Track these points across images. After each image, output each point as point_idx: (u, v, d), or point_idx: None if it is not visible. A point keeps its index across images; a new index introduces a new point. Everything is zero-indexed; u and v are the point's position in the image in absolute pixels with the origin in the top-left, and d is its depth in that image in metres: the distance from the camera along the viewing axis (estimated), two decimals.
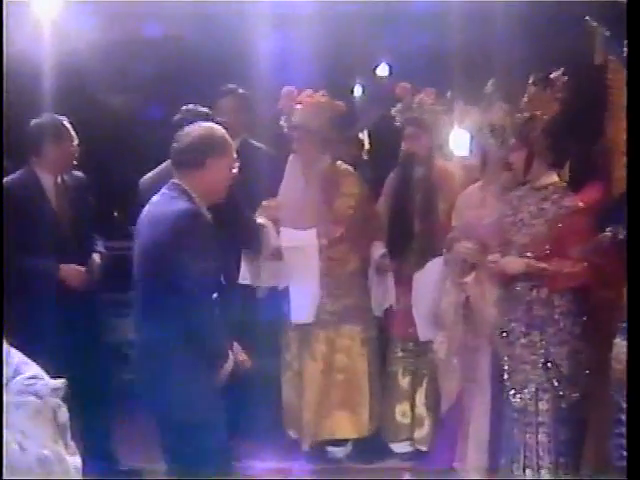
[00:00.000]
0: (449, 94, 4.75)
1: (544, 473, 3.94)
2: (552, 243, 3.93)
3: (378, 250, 4.87)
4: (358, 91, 6.90)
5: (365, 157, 6.74)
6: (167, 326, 3.14)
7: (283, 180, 4.91)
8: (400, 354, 4.97)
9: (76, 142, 4.52)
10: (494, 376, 4.20)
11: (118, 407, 4.69)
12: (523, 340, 3.99)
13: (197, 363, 3.19)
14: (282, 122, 4.80)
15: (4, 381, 1.80)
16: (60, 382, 1.95)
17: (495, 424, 4.20)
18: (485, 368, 4.28)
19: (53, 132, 4.45)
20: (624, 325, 3.16)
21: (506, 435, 4.06)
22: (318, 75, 5.39)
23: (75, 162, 4.58)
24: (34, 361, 1.91)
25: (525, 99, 4.05)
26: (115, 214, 6.96)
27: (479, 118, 4.44)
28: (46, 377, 1.88)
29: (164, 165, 4.04)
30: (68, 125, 4.50)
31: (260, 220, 4.64)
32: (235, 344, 3.45)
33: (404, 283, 4.83)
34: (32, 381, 1.81)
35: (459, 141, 4.86)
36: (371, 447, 4.96)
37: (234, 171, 3.37)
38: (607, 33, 4.29)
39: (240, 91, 5.11)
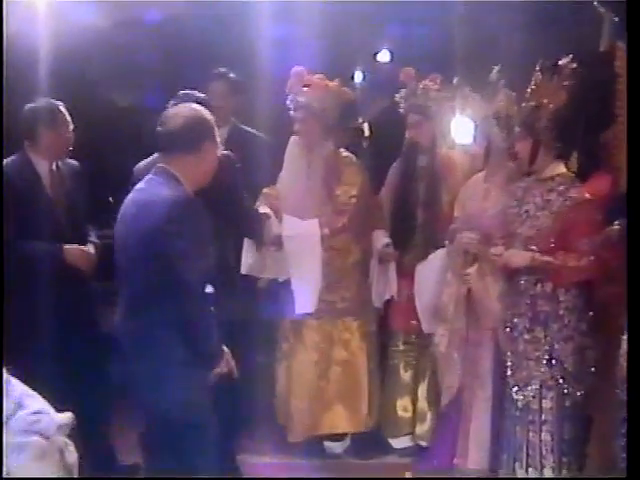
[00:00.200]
0: (455, 80, 4.63)
1: (547, 472, 3.88)
2: (558, 236, 3.85)
3: (381, 239, 4.79)
4: (359, 77, 6.79)
5: (365, 145, 6.63)
6: (155, 320, 3.02)
7: (284, 164, 4.83)
8: (402, 347, 4.90)
9: (72, 127, 4.44)
10: (496, 372, 4.15)
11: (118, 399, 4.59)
12: (526, 336, 3.93)
13: (188, 359, 3.05)
14: (288, 102, 4.72)
15: (4, 416, 1.56)
16: (67, 417, 1.71)
17: (497, 421, 4.13)
18: (487, 363, 4.22)
19: (48, 117, 4.36)
20: None
21: (508, 433, 4.00)
22: (319, 60, 5.28)
23: (71, 148, 4.49)
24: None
25: (531, 87, 3.96)
26: (110, 202, 6.85)
27: (484, 106, 4.36)
28: (52, 411, 1.62)
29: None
30: (64, 110, 4.42)
31: (262, 209, 4.53)
32: (225, 349, 3.29)
33: (406, 274, 4.76)
34: (36, 417, 1.59)
35: (463, 130, 4.74)
36: (370, 442, 4.89)
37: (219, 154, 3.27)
38: (615, 19, 4.18)
39: (231, 75, 5.02)
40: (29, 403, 1.46)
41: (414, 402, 4.86)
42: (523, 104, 3.99)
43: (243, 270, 4.55)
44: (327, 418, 4.74)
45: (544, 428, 3.87)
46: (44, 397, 1.91)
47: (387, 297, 4.84)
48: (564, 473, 3.88)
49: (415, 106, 4.72)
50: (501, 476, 4.04)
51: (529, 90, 3.96)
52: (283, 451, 4.79)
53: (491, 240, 4.17)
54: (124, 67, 6.28)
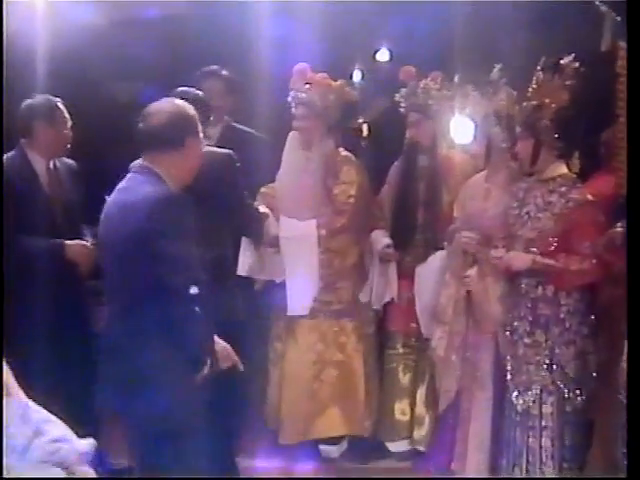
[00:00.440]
0: (456, 79, 4.58)
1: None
2: (559, 238, 3.82)
3: (382, 240, 4.75)
4: (358, 76, 6.74)
5: (364, 145, 6.58)
6: (139, 322, 2.93)
7: (282, 161, 4.78)
8: (401, 350, 4.84)
9: (70, 125, 4.40)
10: (496, 376, 4.10)
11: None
12: (527, 339, 3.89)
13: (174, 362, 2.96)
14: (289, 99, 4.68)
15: (22, 444, 1.39)
16: (88, 444, 1.58)
17: (496, 426, 4.09)
18: (486, 367, 4.17)
19: (46, 113, 4.33)
20: None
21: (507, 438, 3.96)
22: (318, 59, 5.24)
23: (69, 146, 4.47)
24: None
25: (533, 86, 3.92)
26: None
27: (484, 105, 4.32)
28: (73, 438, 1.47)
29: None
30: (62, 107, 4.39)
31: (261, 208, 4.48)
32: (227, 346, 3.23)
33: (407, 276, 4.72)
34: (56, 446, 1.46)
35: (464, 129, 4.68)
36: (367, 446, 4.84)
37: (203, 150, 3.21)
38: (618, 18, 4.13)
39: (224, 73, 4.97)
40: (48, 429, 1.31)
41: (412, 406, 4.80)
42: (524, 103, 3.95)
43: (241, 271, 4.50)
44: (322, 421, 4.68)
45: (544, 434, 3.83)
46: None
47: (387, 299, 4.80)
48: None
49: (415, 105, 4.68)
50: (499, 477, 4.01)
51: (530, 89, 3.93)
52: (279, 455, 4.73)
53: (491, 241, 4.13)
54: (122, 65, 6.24)
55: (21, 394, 1.17)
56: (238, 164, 3.91)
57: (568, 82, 3.87)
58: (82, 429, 3.69)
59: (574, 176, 3.93)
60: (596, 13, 4.25)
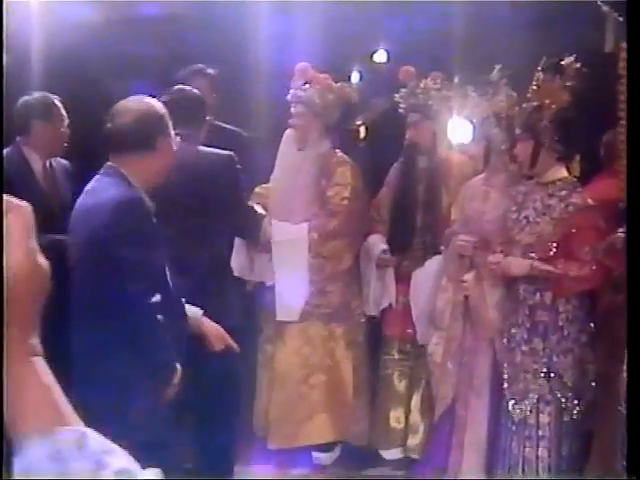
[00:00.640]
0: (457, 79, 4.51)
1: None
2: (558, 243, 3.76)
3: (379, 245, 4.69)
4: (356, 77, 6.69)
5: (362, 146, 6.52)
6: (102, 332, 2.80)
7: (277, 160, 4.72)
8: (396, 356, 4.77)
9: (67, 123, 4.37)
10: (493, 383, 4.04)
11: None
12: (524, 347, 3.83)
13: (136, 374, 2.82)
14: (289, 97, 4.63)
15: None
16: (154, 473, 1.41)
17: (492, 435, 4.03)
18: (483, 375, 4.11)
19: (43, 110, 4.30)
20: None
21: (503, 447, 3.90)
22: (316, 60, 5.18)
23: (65, 144, 4.44)
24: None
25: (533, 87, 3.87)
26: None
27: (484, 106, 4.23)
28: (137, 469, 1.29)
29: None
30: (59, 104, 4.36)
31: (259, 209, 4.42)
32: (219, 327, 3.17)
33: (404, 281, 4.65)
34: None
35: (463, 130, 4.61)
36: (360, 453, 4.77)
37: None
38: (620, 18, 4.06)
39: (208, 71, 4.89)
40: (110, 461, 1.16)
41: (407, 413, 4.73)
42: (524, 104, 3.90)
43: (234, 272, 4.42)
44: (310, 426, 4.60)
45: (541, 444, 3.76)
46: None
47: (385, 305, 4.73)
48: None
49: (415, 106, 4.62)
50: None
51: (530, 90, 3.88)
52: (270, 461, 4.66)
53: (489, 246, 4.07)
54: (119, 63, 6.20)
55: (77, 421, 1.04)
56: (239, 166, 3.86)
57: (569, 83, 3.82)
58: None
59: (574, 180, 3.88)
60: (598, 13, 4.19)
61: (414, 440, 4.67)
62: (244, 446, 4.60)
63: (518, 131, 3.90)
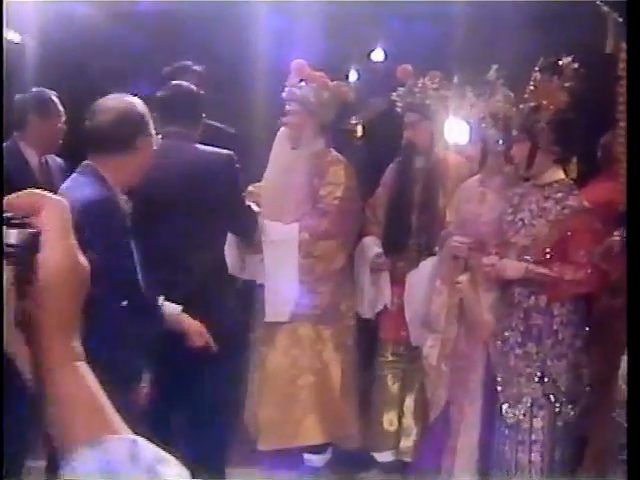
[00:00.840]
0: (456, 79, 4.47)
1: None
2: (554, 246, 3.72)
3: (373, 249, 4.66)
4: (354, 76, 6.67)
5: (359, 145, 6.49)
6: None
7: (270, 158, 4.67)
8: (390, 358, 4.73)
9: (64, 118, 4.35)
10: (486, 387, 4.00)
11: None
12: (518, 350, 3.79)
13: (107, 380, 2.75)
14: (284, 95, 4.58)
15: None
16: None
17: (485, 439, 3.99)
18: (477, 378, 4.07)
19: (40, 105, 4.28)
20: None
21: (496, 452, 3.87)
22: (314, 58, 5.16)
23: (61, 140, 4.42)
24: None
25: (530, 87, 3.83)
26: None
27: (481, 107, 4.20)
28: (188, 477, 1.23)
29: None
30: (56, 99, 4.34)
31: (254, 207, 4.38)
32: (199, 324, 3.18)
33: (399, 282, 4.61)
34: None
35: (460, 131, 4.57)
36: (352, 456, 4.73)
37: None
38: (620, 19, 4.03)
39: (195, 68, 4.84)
40: (163, 471, 1.09)
41: (400, 415, 4.70)
42: (521, 105, 3.87)
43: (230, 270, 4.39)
44: (300, 428, 4.55)
45: (534, 448, 3.73)
46: None
47: (380, 308, 4.69)
48: None
49: (413, 105, 4.58)
50: None
51: (528, 90, 3.85)
52: (261, 463, 4.62)
53: (485, 248, 4.04)
54: (116, 59, 6.18)
55: (125, 429, 0.99)
56: (238, 165, 3.84)
57: (567, 84, 3.78)
58: None
59: (571, 182, 3.84)
60: (597, 13, 4.16)
61: (407, 443, 4.64)
62: (236, 447, 4.58)
63: (515, 132, 3.86)
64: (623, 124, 4.00)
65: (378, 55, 6.50)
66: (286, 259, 4.41)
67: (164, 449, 0.97)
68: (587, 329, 3.76)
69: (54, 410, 0.89)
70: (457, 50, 4.80)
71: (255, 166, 4.69)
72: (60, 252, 0.90)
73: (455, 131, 4.63)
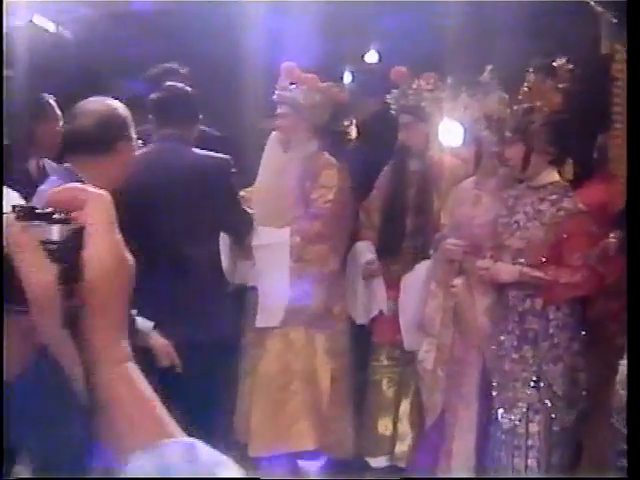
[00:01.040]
0: (449, 80, 4.44)
1: None
2: (549, 249, 3.69)
3: (366, 255, 4.62)
4: (348, 77, 6.65)
5: (353, 148, 6.46)
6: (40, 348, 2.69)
7: (261, 162, 4.64)
8: (385, 362, 4.70)
9: (62, 122, 4.27)
10: (482, 391, 3.97)
11: None
12: (514, 355, 3.75)
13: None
14: (275, 97, 4.55)
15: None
16: None
17: (480, 444, 3.95)
18: (472, 382, 4.04)
19: (37, 110, 4.27)
20: None
21: (492, 457, 3.82)
22: (308, 60, 5.14)
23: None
24: None
25: (524, 88, 3.81)
26: None
27: (475, 108, 4.17)
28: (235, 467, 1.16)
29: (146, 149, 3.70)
30: (53, 103, 4.31)
31: (249, 210, 4.34)
32: (167, 343, 3.17)
33: (394, 286, 4.57)
34: None
35: (455, 132, 4.54)
36: (346, 461, 4.67)
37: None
38: (614, 20, 4.01)
39: (181, 71, 4.80)
40: (222, 473, 1.03)
41: (395, 420, 4.66)
42: (515, 107, 3.84)
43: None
44: (291, 434, 4.50)
45: (530, 454, 3.68)
46: None
47: (375, 313, 4.65)
48: None
49: (407, 107, 4.55)
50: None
51: (522, 92, 3.82)
52: (255, 468, 4.54)
53: (479, 251, 4.00)
54: (112, 60, 6.16)
55: (180, 432, 0.94)
56: (234, 170, 3.82)
57: (561, 85, 3.76)
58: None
59: (566, 184, 3.82)
60: (591, 14, 4.15)
61: (402, 448, 4.60)
62: (226, 453, 4.53)
63: (509, 134, 3.83)
64: (618, 125, 3.99)
65: (372, 57, 6.48)
66: (278, 263, 4.37)
67: None
68: (583, 333, 3.72)
69: (106, 414, 0.85)
70: (451, 51, 4.77)
71: (247, 170, 4.66)
72: (106, 248, 0.85)
73: (449, 133, 4.60)
